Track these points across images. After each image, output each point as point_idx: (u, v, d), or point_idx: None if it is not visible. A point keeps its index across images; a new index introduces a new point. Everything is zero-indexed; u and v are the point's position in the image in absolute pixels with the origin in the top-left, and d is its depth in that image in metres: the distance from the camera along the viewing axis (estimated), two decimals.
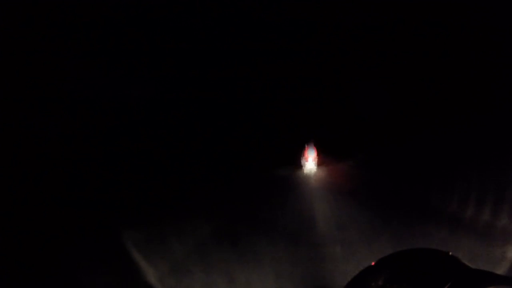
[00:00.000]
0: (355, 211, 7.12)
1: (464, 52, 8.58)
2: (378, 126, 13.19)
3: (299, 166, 13.33)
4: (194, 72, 10.93)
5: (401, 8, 8.39)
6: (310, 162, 12.72)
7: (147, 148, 8.74)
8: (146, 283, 4.00)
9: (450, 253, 1.40)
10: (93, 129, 7.55)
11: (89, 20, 7.37)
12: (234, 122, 14.18)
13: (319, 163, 13.06)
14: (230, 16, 9.38)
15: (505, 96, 7.26)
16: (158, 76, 9.79)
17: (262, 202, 8.24)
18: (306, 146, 13.43)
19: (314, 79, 15.35)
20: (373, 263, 1.50)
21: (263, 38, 10.28)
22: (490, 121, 7.76)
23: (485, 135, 7.53)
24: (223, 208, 7.49)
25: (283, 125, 17.89)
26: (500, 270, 3.89)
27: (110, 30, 7.93)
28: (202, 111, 12.14)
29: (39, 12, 6.59)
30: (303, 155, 13.08)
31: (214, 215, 6.85)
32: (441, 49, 9.21)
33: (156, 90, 9.69)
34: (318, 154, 13.10)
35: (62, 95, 6.92)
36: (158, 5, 8.23)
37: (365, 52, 11.55)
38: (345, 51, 11.84)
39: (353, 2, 8.78)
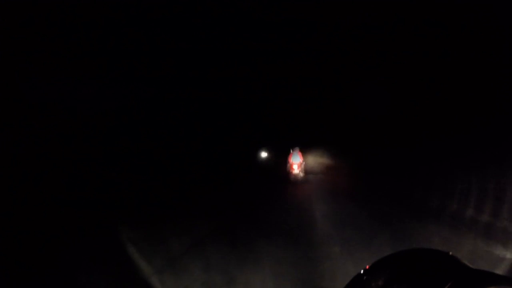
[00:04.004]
0: (340, 215, 7.05)
1: (464, 52, 8.57)
2: (378, 126, 13.18)
3: (286, 172, 13.05)
4: (194, 72, 10.92)
5: (401, 8, 8.39)
6: (295, 169, 12.45)
7: (147, 148, 8.74)
8: (146, 283, 4.00)
9: (450, 253, 1.40)
10: (93, 129, 7.55)
11: (89, 20, 7.36)
12: (234, 122, 14.19)
13: (306, 169, 12.81)
14: (230, 16, 9.37)
15: (506, 96, 7.26)
16: (158, 76, 9.78)
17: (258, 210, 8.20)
18: (291, 151, 13.11)
19: (314, 79, 15.34)
20: (372, 263, 1.50)
21: (263, 38, 10.27)
22: (490, 120, 7.76)
23: (485, 134, 7.53)
24: (222, 208, 7.52)
25: (283, 125, 17.92)
26: (500, 270, 3.89)
27: (110, 30, 7.92)
28: (202, 111, 12.12)
29: (39, 12, 6.58)
30: (288, 161, 12.79)
31: (213, 215, 6.87)
32: (441, 49, 9.20)
33: (156, 90, 9.68)
34: (304, 160, 12.85)
35: (62, 95, 6.92)
36: (158, 5, 8.23)
37: (365, 52, 11.54)
38: (345, 51, 11.82)
39: (353, 2, 8.77)
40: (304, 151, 13.38)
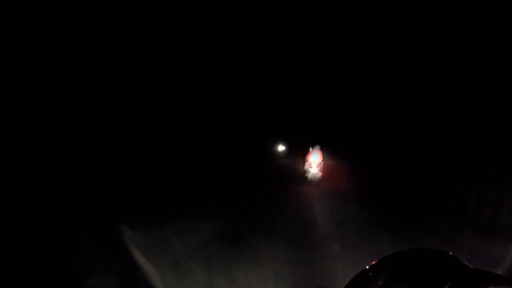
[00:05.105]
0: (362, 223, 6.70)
1: (464, 52, 8.58)
2: (378, 126, 13.18)
3: (302, 170, 12.69)
4: (194, 72, 10.92)
5: (401, 8, 8.39)
6: (314, 167, 11.99)
7: (147, 148, 8.73)
8: (147, 283, 4.00)
9: (450, 253, 1.40)
10: (93, 129, 7.55)
11: (89, 20, 7.37)
12: (234, 122, 14.19)
13: (324, 169, 12.40)
14: (230, 16, 9.38)
15: (506, 95, 7.26)
16: (158, 76, 9.79)
17: (260, 211, 8.08)
18: (310, 150, 12.70)
19: (314, 79, 15.35)
20: (373, 263, 1.50)
21: (263, 38, 10.27)
22: (490, 120, 7.76)
23: (485, 134, 7.53)
24: (223, 209, 7.50)
25: (283, 126, 17.94)
26: (500, 270, 3.89)
27: (110, 30, 7.93)
28: (202, 111, 12.12)
29: (40, 12, 6.58)
30: (306, 160, 12.37)
31: (214, 215, 6.85)
32: (441, 49, 9.21)
33: (156, 90, 9.69)
34: (323, 159, 12.44)
35: (62, 95, 6.92)
36: (158, 5, 8.23)
37: (365, 52, 11.54)
38: (345, 51, 11.83)
39: (353, 2, 8.77)
40: (305, 151, 13.10)
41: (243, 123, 14.75)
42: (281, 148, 18.57)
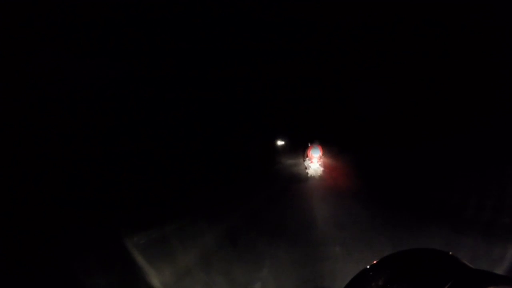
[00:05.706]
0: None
1: (464, 52, 8.58)
2: (378, 126, 13.17)
3: (303, 166, 12.54)
4: (194, 72, 10.92)
5: (401, 8, 8.39)
6: (314, 162, 11.79)
7: (147, 148, 8.73)
8: (147, 284, 4.00)
9: (450, 253, 1.40)
10: (93, 129, 7.54)
11: (89, 20, 7.37)
12: (234, 122, 14.18)
13: (325, 164, 12.24)
14: (230, 16, 9.38)
15: (506, 95, 7.26)
16: (158, 76, 9.78)
17: (261, 211, 8.02)
18: (309, 145, 12.53)
19: (314, 79, 15.35)
20: (373, 263, 1.50)
21: (263, 38, 10.27)
22: (491, 120, 7.77)
23: (485, 134, 7.54)
24: (223, 209, 7.50)
25: (283, 126, 17.95)
26: (500, 270, 3.89)
27: (110, 30, 7.93)
28: (202, 111, 12.11)
29: (39, 12, 6.58)
30: (307, 155, 12.16)
31: (214, 215, 6.86)
32: (441, 49, 9.21)
33: (156, 90, 9.69)
34: (323, 154, 12.21)
35: (62, 95, 6.92)
36: (158, 5, 8.24)
37: (365, 52, 11.54)
38: (345, 51, 11.83)
39: (353, 2, 8.77)
40: (305, 148, 13.02)
41: (243, 123, 14.74)
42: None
